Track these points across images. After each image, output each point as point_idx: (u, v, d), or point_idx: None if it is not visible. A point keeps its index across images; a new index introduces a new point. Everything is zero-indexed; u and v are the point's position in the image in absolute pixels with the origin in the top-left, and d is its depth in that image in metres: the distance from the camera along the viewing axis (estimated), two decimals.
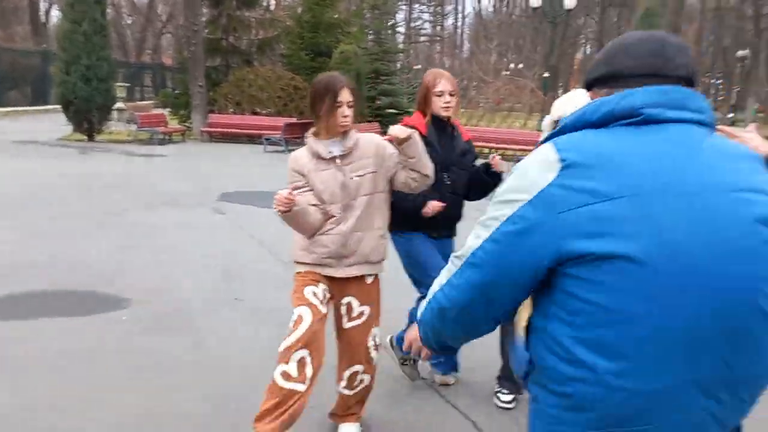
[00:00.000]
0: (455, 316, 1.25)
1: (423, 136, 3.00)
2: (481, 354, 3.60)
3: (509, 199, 1.16)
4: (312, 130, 2.75)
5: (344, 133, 2.69)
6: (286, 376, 2.53)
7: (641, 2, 21.87)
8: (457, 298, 1.22)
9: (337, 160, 2.67)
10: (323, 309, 2.69)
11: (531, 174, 1.15)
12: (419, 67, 44.94)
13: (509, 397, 3.34)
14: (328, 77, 2.70)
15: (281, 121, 17.10)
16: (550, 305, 1.16)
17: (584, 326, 1.11)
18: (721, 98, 53.26)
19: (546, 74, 21.53)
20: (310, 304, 2.65)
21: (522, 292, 1.19)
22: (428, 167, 2.71)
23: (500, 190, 1.21)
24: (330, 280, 2.76)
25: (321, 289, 2.72)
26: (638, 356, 1.08)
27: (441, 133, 3.21)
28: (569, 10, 22.71)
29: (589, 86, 1.29)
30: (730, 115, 43.97)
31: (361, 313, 2.81)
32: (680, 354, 1.08)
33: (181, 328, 4.26)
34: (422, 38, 60.57)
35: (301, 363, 2.55)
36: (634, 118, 1.15)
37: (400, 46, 40.92)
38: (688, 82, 1.20)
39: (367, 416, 3.10)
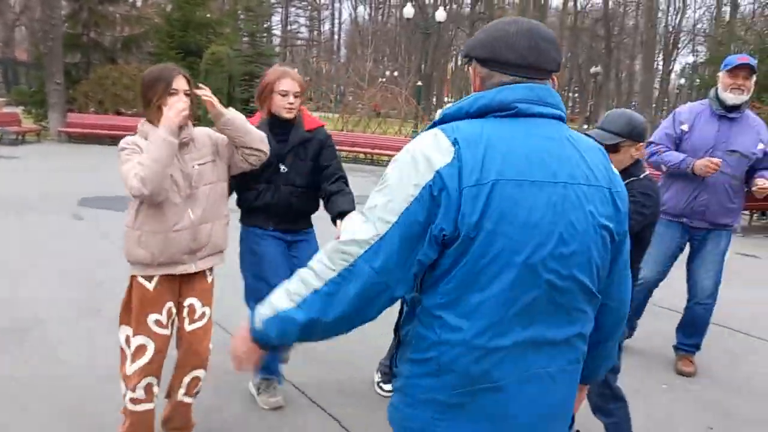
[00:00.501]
0: (355, 297, 1.29)
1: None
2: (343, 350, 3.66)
3: (406, 185, 1.27)
4: (143, 120, 2.61)
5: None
6: (135, 401, 2.57)
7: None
8: (369, 278, 1.28)
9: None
10: (167, 332, 2.63)
11: (424, 158, 1.27)
12: (295, 71, 44.60)
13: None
14: (161, 66, 2.60)
15: None
16: (426, 278, 1.33)
17: (451, 293, 1.29)
18: (577, 111, 57.59)
19: (419, 83, 22.20)
20: (152, 334, 2.56)
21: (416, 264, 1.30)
22: (258, 140, 2.67)
23: (392, 179, 1.31)
24: (177, 279, 2.64)
25: (165, 312, 2.61)
26: (491, 317, 1.29)
27: (275, 126, 3.09)
28: (440, 23, 23.66)
29: (469, 58, 1.44)
30: (585, 126, 47.75)
31: (203, 314, 2.72)
32: (518, 316, 1.31)
33: (35, 342, 3.96)
34: (299, 42, 60.29)
35: (148, 388, 2.58)
36: (507, 111, 1.34)
37: (277, 49, 40.46)
38: (553, 72, 1.42)
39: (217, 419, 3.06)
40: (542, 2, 26.30)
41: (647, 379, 3.98)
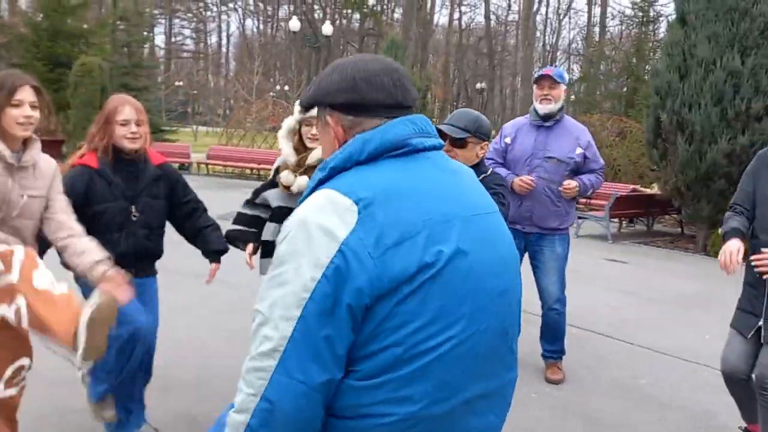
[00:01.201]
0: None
1: (96, 171, 2.74)
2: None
3: (305, 268, 1.07)
4: None
5: (25, 143, 2.31)
6: None
7: (387, 34, 23.75)
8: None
9: (14, 170, 2.26)
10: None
11: (322, 230, 1.07)
12: (181, 83, 43.16)
13: None
14: (4, 73, 2.31)
15: None
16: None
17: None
18: None
19: None
20: None
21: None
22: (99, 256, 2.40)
23: (287, 264, 1.10)
24: None
25: None
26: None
27: (119, 164, 2.83)
28: (328, 37, 23.68)
29: (329, 106, 1.26)
30: None
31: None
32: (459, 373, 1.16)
33: None
34: (185, 54, 58.43)
35: None
36: (400, 150, 1.19)
37: (160, 60, 38.92)
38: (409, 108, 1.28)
39: None
40: (427, 19, 27.00)
41: (517, 389, 4.00)
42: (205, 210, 3.16)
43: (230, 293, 5.20)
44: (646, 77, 20.14)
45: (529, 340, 4.64)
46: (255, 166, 16.37)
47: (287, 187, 2.93)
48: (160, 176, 2.96)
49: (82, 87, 14.57)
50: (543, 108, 4.01)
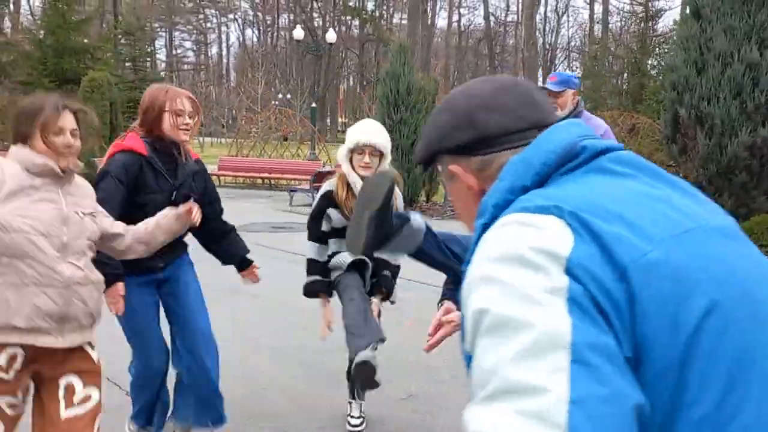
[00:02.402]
0: None
1: (146, 160, 2.59)
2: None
3: (541, 303, 0.71)
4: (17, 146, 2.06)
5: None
6: None
7: (394, 39, 23.78)
8: None
9: (61, 186, 2.06)
10: (20, 411, 2.07)
11: (536, 252, 0.74)
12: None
13: (358, 420, 3.24)
14: (43, 97, 2.09)
15: None
16: None
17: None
18: None
19: (314, 105, 22.06)
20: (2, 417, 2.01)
21: None
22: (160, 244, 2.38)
23: (507, 307, 0.72)
24: (40, 352, 2.00)
25: (21, 391, 2.04)
26: None
27: (167, 156, 2.69)
28: (331, 44, 23.68)
29: (435, 158, 1.03)
30: None
31: (88, 397, 2.10)
32: None
33: None
34: (186, 66, 58.61)
35: None
36: (575, 159, 0.88)
37: (162, 74, 39.06)
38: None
39: None
40: (429, 23, 26.99)
41: None
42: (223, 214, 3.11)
43: (259, 306, 5.14)
44: (652, 72, 20.12)
45: None
46: (266, 175, 16.35)
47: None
48: (197, 171, 2.85)
49: (92, 102, 14.56)
50: None
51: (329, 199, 2.97)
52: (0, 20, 21.36)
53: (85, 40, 18.89)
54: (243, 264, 3.09)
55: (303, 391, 3.74)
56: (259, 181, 16.67)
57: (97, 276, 2.14)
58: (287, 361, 4.18)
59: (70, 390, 2.07)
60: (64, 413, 2.05)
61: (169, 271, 2.83)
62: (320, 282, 3.00)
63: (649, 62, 20.44)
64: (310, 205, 13.66)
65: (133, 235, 2.30)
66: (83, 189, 2.20)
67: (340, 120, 62.97)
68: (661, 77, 18.40)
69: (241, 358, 4.12)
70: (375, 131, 2.92)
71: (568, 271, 0.72)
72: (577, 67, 47.60)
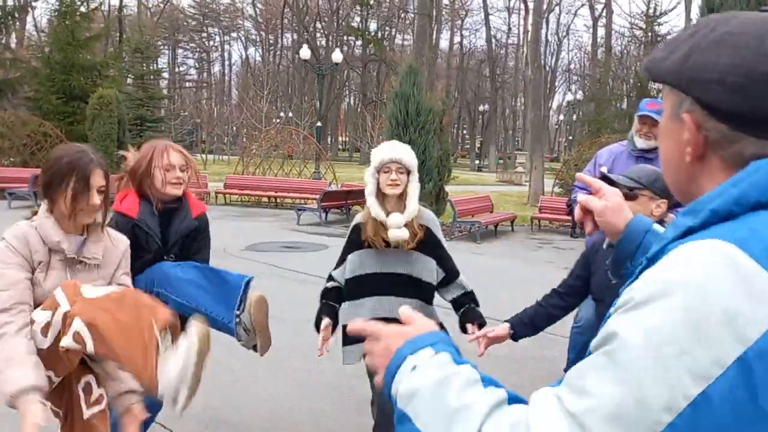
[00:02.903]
0: None
1: (135, 222, 2.52)
2: None
3: (690, 375, 0.63)
4: (44, 208, 2.10)
5: (88, 228, 2.14)
6: None
7: (396, 59, 23.89)
8: None
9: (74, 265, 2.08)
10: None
11: (725, 315, 0.64)
12: (186, 113, 43.43)
13: None
14: (75, 152, 2.08)
15: (28, 172, 15.00)
16: None
17: None
18: (467, 146, 59.93)
19: (319, 123, 22.17)
20: None
21: None
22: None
23: (641, 360, 0.65)
24: None
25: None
26: None
27: (158, 215, 2.60)
28: (337, 64, 23.81)
29: (695, 98, 0.79)
30: (477, 161, 49.72)
31: (101, 397, 2.20)
32: None
33: None
34: (188, 84, 58.92)
35: None
36: None
37: (165, 91, 39.27)
38: None
39: None
40: (433, 43, 27.21)
41: None
42: None
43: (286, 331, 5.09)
44: (656, 95, 20.24)
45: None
46: (272, 194, 16.34)
47: (387, 244, 2.72)
48: (196, 229, 2.74)
49: (100, 119, 14.59)
50: (644, 143, 3.85)
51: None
52: (7, 36, 21.45)
53: (88, 56, 18.98)
54: None
55: (331, 415, 3.69)
56: (265, 199, 16.66)
57: None
58: (315, 387, 4.13)
59: (87, 390, 2.14)
60: (87, 412, 2.12)
61: None
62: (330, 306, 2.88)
63: (655, 86, 20.57)
64: (319, 224, 13.62)
65: None
66: (105, 260, 2.20)
67: (340, 138, 63.37)
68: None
69: (266, 385, 4.07)
70: (400, 148, 2.84)
71: (738, 358, 0.63)
72: (576, 90, 47.98)
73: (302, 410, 3.75)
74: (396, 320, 0.96)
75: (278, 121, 37.68)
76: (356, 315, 2.75)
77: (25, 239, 2.03)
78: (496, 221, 12.80)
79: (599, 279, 2.62)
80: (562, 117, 52.36)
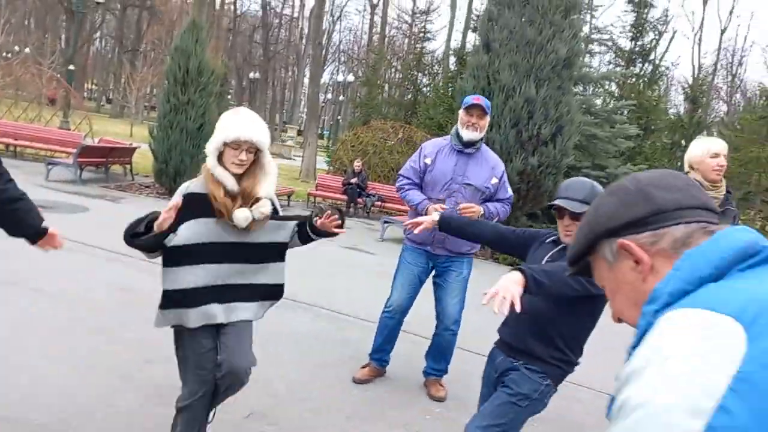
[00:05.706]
0: None
1: None
2: None
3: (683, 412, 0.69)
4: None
5: None
6: None
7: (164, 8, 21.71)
8: None
9: None
10: None
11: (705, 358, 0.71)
12: None
13: None
14: None
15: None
16: None
17: None
18: None
19: (72, 66, 19.33)
20: None
21: None
22: None
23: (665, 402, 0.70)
24: None
25: None
26: None
27: None
28: (99, 3, 21.12)
29: (613, 233, 0.99)
30: None
31: None
32: None
33: None
34: None
35: None
36: (752, 258, 0.86)
37: None
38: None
39: None
40: (208, 1, 25.66)
41: (410, 409, 3.94)
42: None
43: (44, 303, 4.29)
44: (424, 89, 21.70)
45: (409, 359, 4.62)
46: (10, 141, 13.89)
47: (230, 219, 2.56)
48: None
49: None
50: (468, 135, 3.96)
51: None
52: None
53: None
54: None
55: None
56: (1, 147, 14.12)
57: None
58: (102, 371, 3.52)
59: None
60: None
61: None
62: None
63: (424, 80, 22.01)
64: (73, 181, 11.96)
65: None
66: None
67: (86, 86, 56.45)
68: (431, 95, 19.92)
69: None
70: (256, 126, 2.56)
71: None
72: (346, 72, 49.40)
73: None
74: None
75: (10, 54, 32.39)
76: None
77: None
78: None
79: (533, 262, 2.67)
80: (329, 96, 53.38)
